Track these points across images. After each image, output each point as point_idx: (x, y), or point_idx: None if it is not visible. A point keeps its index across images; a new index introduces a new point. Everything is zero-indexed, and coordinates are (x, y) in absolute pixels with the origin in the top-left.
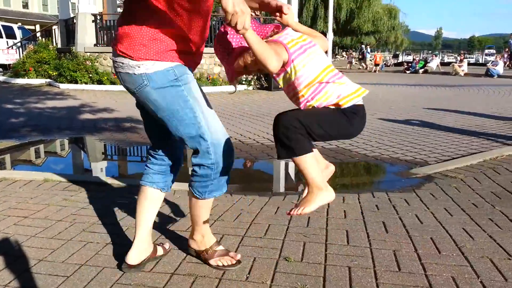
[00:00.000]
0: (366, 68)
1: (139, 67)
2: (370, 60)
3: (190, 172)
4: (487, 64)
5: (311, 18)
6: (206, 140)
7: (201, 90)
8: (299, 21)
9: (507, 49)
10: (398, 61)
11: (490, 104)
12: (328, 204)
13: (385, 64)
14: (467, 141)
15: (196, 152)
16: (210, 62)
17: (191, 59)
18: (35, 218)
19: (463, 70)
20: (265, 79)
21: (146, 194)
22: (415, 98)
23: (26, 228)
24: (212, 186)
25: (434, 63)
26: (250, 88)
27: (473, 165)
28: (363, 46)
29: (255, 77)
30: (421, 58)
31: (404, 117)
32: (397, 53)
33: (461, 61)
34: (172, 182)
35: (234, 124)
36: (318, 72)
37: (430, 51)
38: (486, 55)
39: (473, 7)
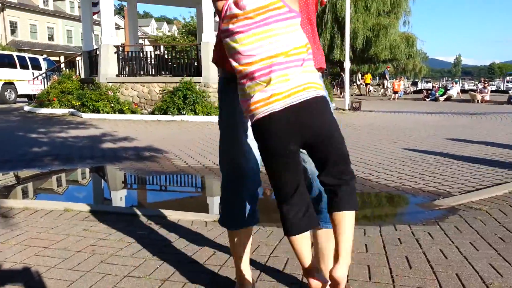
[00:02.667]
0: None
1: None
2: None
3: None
4: (509, 91)
5: (328, 47)
6: None
7: None
8: None
9: None
10: (417, 88)
11: None
12: None
13: (404, 91)
14: (491, 171)
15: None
16: None
17: None
18: (55, 248)
19: (483, 97)
20: None
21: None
22: (436, 126)
23: (46, 258)
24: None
25: (454, 91)
26: None
27: (498, 196)
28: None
29: None
30: (440, 86)
31: (425, 146)
32: (416, 80)
33: (484, 87)
34: None
35: None
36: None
37: (450, 78)
38: (508, 82)
39: (492, 34)
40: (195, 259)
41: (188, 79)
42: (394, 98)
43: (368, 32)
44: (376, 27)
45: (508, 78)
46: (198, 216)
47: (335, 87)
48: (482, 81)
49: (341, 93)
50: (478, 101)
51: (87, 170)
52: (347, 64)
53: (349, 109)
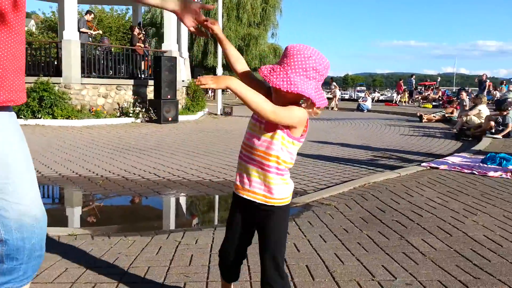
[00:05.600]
0: None
1: None
2: None
3: None
4: (358, 100)
5: (202, 53)
6: None
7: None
8: (189, 55)
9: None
10: None
11: (360, 136)
12: (212, 239)
13: None
14: (341, 170)
15: None
16: (93, 93)
17: None
18: None
19: (337, 104)
20: (154, 111)
21: None
22: None
23: None
24: None
25: None
26: (138, 120)
27: (345, 192)
28: None
29: (144, 109)
30: None
31: None
32: None
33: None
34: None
35: (118, 159)
36: (294, 159)
37: None
38: (358, 91)
39: (346, 49)
40: (44, 279)
41: (45, 79)
42: None
43: (240, 41)
44: (247, 37)
45: (358, 88)
46: (53, 231)
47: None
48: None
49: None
50: (333, 108)
51: None
52: (220, 71)
53: (221, 114)
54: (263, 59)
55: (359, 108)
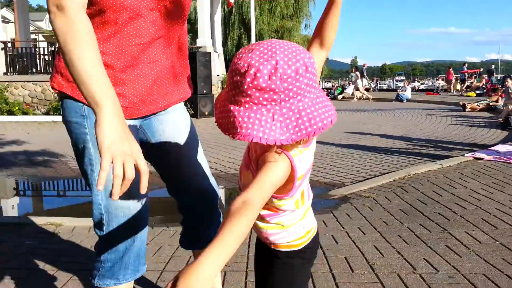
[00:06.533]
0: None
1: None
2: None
3: None
4: (397, 90)
5: (236, 47)
6: (99, 203)
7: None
8: (223, 50)
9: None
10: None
11: (399, 126)
12: (251, 230)
13: None
14: (379, 162)
15: None
16: None
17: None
18: None
19: (363, 95)
20: (191, 106)
21: None
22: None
23: None
24: (102, 269)
25: (350, 90)
26: None
27: (384, 184)
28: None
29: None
30: (338, 85)
31: (324, 141)
32: (318, 80)
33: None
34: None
35: None
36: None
37: (347, 78)
38: (397, 81)
39: (383, 38)
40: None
41: None
42: None
43: (273, 34)
44: (281, 30)
45: (397, 78)
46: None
47: None
48: (375, 80)
49: None
50: (367, 98)
51: None
52: None
53: None
54: None
55: (398, 98)
